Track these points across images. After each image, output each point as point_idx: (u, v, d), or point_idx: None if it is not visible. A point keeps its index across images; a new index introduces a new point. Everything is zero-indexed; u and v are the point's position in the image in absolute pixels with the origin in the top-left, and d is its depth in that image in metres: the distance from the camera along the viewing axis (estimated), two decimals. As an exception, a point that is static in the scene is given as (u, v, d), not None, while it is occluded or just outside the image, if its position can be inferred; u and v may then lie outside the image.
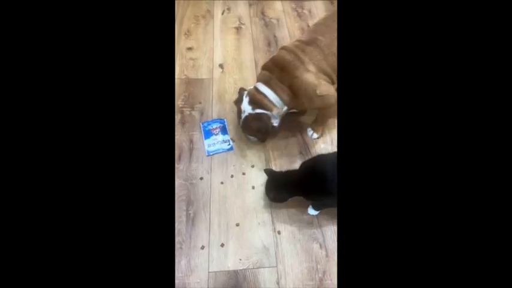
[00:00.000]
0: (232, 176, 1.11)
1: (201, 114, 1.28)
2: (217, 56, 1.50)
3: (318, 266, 0.93)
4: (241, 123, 1.11)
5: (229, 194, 1.07)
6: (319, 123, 1.20)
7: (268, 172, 1.00)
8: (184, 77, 1.41)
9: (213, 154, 1.16)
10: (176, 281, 0.89)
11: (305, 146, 1.21)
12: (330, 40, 1.04)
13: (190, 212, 1.02)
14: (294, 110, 1.16)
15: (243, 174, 1.12)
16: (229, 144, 1.18)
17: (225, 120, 1.26)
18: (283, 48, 1.07)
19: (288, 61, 1.02)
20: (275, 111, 1.05)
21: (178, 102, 1.32)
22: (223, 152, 1.16)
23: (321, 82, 1.02)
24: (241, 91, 1.14)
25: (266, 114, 1.05)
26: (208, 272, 0.91)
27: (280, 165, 1.14)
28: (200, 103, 1.32)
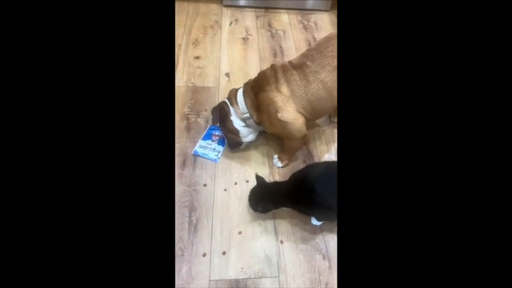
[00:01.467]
0: (235, 184, 1.11)
1: (206, 121, 1.30)
2: (224, 66, 1.52)
3: (321, 278, 0.92)
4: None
5: (232, 201, 1.07)
6: (286, 152, 1.15)
7: (258, 180, 0.99)
8: (191, 84, 1.43)
9: (197, 155, 1.17)
10: (176, 289, 0.88)
11: (309, 155, 1.21)
12: (319, 67, 0.97)
13: (192, 218, 1.02)
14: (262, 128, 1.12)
15: (247, 181, 1.11)
16: (217, 155, 1.17)
17: None
18: (272, 65, 1.06)
19: (265, 75, 1.03)
20: (235, 108, 1.08)
21: (185, 109, 1.33)
22: (207, 159, 1.17)
23: (286, 107, 0.97)
24: (232, 89, 1.20)
25: (227, 106, 1.08)
26: (209, 280, 0.90)
27: (284, 174, 1.14)
28: (206, 111, 1.33)
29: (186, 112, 1.32)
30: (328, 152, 1.22)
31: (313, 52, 1.01)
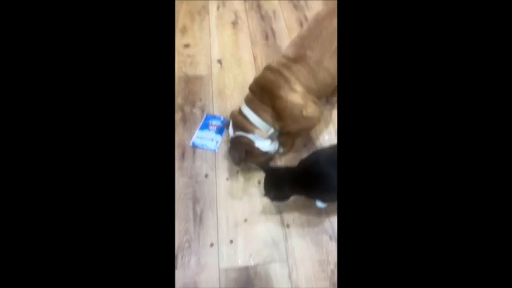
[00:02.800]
0: (237, 172, 1.10)
1: (202, 111, 1.27)
2: (215, 52, 1.48)
3: (329, 258, 0.92)
4: (229, 149, 1.05)
5: (235, 190, 1.06)
6: (289, 138, 1.11)
7: (267, 169, 0.94)
8: (182, 74, 1.39)
9: (195, 147, 1.15)
10: (186, 280, 0.88)
11: (309, 139, 1.19)
12: (321, 55, 0.94)
13: (197, 210, 1.01)
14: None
15: (249, 169, 1.10)
16: (215, 145, 1.15)
17: (227, 121, 1.24)
18: (268, 67, 0.99)
19: (270, 80, 0.94)
20: (257, 133, 0.97)
21: (178, 99, 1.30)
22: (206, 149, 1.15)
23: (307, 103, 0.95)
24: (231, 114, 1.06)
25: (246, 137, 0.97)
26: (219, 269, 0.90)
27: (286, 160, 1.13)
28: (200, 100, 1.30)
29: (181, 103, 1.29)
30: (328, 133, 1.21)
31: (308, 40, 0.96)
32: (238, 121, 0.99)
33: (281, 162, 1.12)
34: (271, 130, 0.99)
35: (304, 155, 1.13)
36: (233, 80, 1.37)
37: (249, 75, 1.37)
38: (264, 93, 0.95)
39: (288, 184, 0.91)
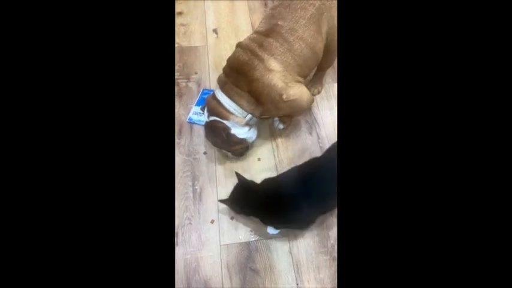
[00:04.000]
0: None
1: (198, 85, 1.21)
2: (210, 21, 1.38)
3: (329, 233, 0.93)
4: (205, 135, 0.97)
5: (235, 167, 1.04)
6: (287, 116, 1.03)
7: (240, 179, 0.88)
8: (176, 45, 1.30)
9: (192, 123, 1.11)
10: (188, 256, 0.89)
11: (310, 113, 1.15)
12: (293, 23, 0.83)
13: (196, 187, 1.00)
14: (265, 117, 0.99)
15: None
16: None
17: None
18: (239, 45, 0.88)
19: (242, 61, 0.83)
20: (233, 120, 0.88)
21: (173, 73, 1.23)
22: (203, 125, 1.09)
23: (287, 84, 0.83)
24: (207, 98, 0.97)
25: (221, 122, 0.88)
26: (220, 245, 0.91)
27: (286, 135, 1.09)
28: (196, 73, 1.23)
29: (175, 77, 1.22)
30: (330, 108, 1.17)
31: (279, 9, 0.85)
32: (213, 107, 0.89)
33: (281, 137, 1.09)
34: (249, 116, 0.89)
35: (304, 130, 1.10)
36: (230, 52, 1.26)
37: (247, 46, 1.29)
38: (238, 75, 0.84)
39: (249, 202, 0.85)
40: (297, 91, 0.86)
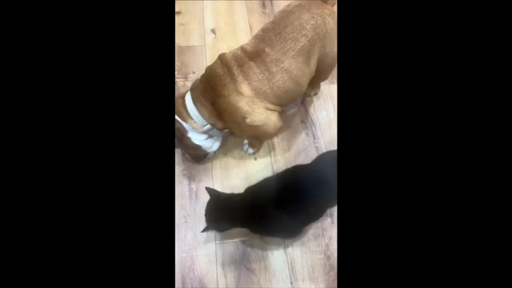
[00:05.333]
0: (235, 149, 1.08)
1: (196, 84, 1.21)
2: (209, 21, 1.38)
3: (324, 233, 0.94)
4: None
5: (231, 166, 1.04)
6: (257, 139, 1.01)
7: (211, 193, 0.83)
8: (174, 44, 1.31)
9: None
10: (183, 254, 0.89)
11: (306, 113, 1.16)
12: (281, 53, 0.79)
13: (192, 186, 1.00)
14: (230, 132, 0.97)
15: (245, 143, 1.08)
16: None
17: None
18: (221, 56, 0.84)
19: (216, 75, 0.81)
20: (190, 124, 0.86)
21: (171, 72, 1.24)
22: None
23: (254, 109, 0.81)
24: (177, 95, 0.94)
25: (179, 123, 0.86)
26: (216, 244, 0.91)
27: (282, 136, 1.10)
28: (194, 73, 1.24)
29: (173, 76, 1.23)
30: (326, 109, 1.18)
31: (270, 34, 0.81)
32: (177, 105, 0.87)
33: (277, 137, 1.10)
34: (208, 127, 0.87)
35: (301, 131, 1.11)
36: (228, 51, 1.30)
37: (245, 47, 1.30)
38: (206, 86, 0.83)
39: (228, 214, 0.80)
40: (263, 118, 0.83)
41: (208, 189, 0.84)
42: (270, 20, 0.86)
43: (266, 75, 0.80)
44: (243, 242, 0.91)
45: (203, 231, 0.86)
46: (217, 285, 0.86)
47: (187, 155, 1.00)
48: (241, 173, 1.03)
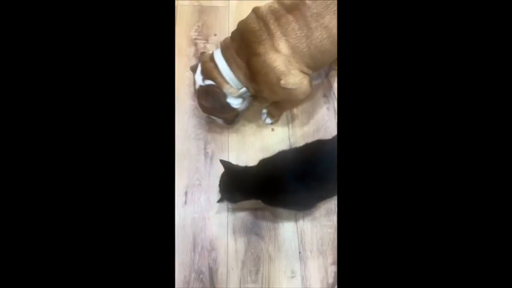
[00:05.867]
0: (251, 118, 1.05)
1: (217, 47, 1.16)
2: (234, -20, 1.30)
3: (335, 208, 0.94)
4: (195, 98, 0.90)
5: (248, 134, 1.03)
6: (278, 108, 0.96)
7: (225, 165, 0.82)
8: (196, 3, 1.24)
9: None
10: (196, 215, 0.91)
11: (329, 87, 1.11)
12: (322, 8, 0.73)
13: (208, 150, 0.99)
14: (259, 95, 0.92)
15: (263, 113, 1.05)
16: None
17: None
18: (255, 10, 0.78)
19: (251, 29, 0.74)
20: (227, 89, 0.81)
21: (191, 33, 1.18)
22: None
23: (290, 70, 0.75)
24: (201, 56, 0.89)
25: (219, 88, 0.81)
26: (228, 208, 0.92)
27: (302, 108, 1.07)
28: (215, 35, 1.19)
29: (194, 37, 1.18)
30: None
31: None
32: (208, 69, 0.81)
33: (297, 108, 1.06)
34: (243, 90, 0.83)
35: (322, 105, 1.07)
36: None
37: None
38: (242, 43, 0.76)
39: (241, 187, 0.79)
40: (297, 81, 0.78)
41: (222, 162, 0.82)
42: None
43: (305, 31, 0.74)
44: (255, 210, 0.92)
45: (218, 201, 0.87)
46: (227, 248, 0.87)
47: (219, 121, 0.96)
48: (257, 143, 1.02)
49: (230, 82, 0.82)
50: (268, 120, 1.02)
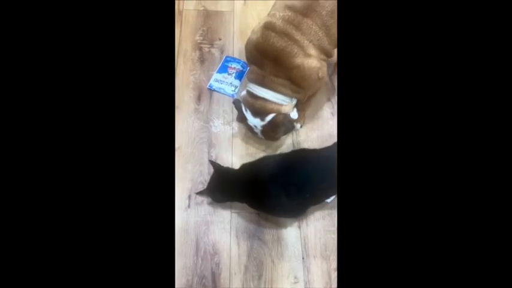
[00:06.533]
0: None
1: (221, 52, 1.17)
2: (239, -15, 1.31)
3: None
4: (261, 137, 0.92)
5: (252, 138, 1.03)
6: (302, 109, 0.98)
7: (214, 165, 0.86)
8: (202, 8, 1.25)
9: (213, 90, 1.08)
10: (199, 219, 0.91)
11: (334, 92, 1.11)
12: (335, 5, 0.77)
13: (212, 154, 1.00)
14: None
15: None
16: (233, 90, 1.08)
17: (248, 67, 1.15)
18: (270, 27, 0.78)
19: (279, 48, 0.77)
20: (286, 110, 0.85)
21: (197, 37, 1.19)
22: (223, 93, 1.08)
23: (322, 63, 0.83)
24: (237, 104, 0.91)
25: (282, 114, 0.85)
26: (231, 212, 0.92)
27: (306, 114, 1.07)
28: (220, 39, 1.19)
29: (199, 41, 1.19)
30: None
31: None
32: (261, 107, 0.84)
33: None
34: (295, 100, 0.89)
35: (326, 109, 1.07)
36: (257, 20, 1.23)
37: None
38: (275, 64, 0.79)
39: (227, 187, 0.82)
40: (325, 69, 0.85)
41: (211, 162, 0.87)
42: None
43: (323, 30, 0.79)
44: (258, 214, 0.92)
45: (197, 193, 0.89)
46: (230, 252, 0.87)
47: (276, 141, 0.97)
48: (261, 147, 1.02)
49: (283, 103, 0.85)
50: (299, 126, 1.02)
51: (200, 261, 0.86)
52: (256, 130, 0.90)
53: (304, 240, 0.90)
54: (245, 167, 0.85)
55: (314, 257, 0.88)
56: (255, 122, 0.87)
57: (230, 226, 0.90)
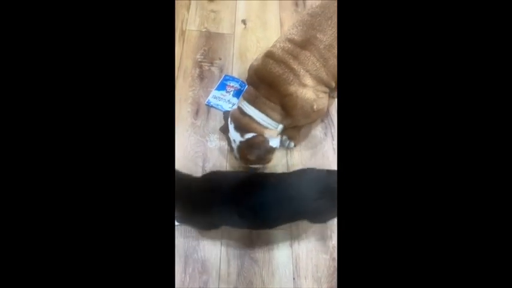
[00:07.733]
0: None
1: (221, 71, 1.21)
2: (241, 11, 1.39)
3: (332, 235, 0.93)
4: (236, 155, 0.91)
5: (246, 155, 1.04)
6: (295, 131, 1.00)
7: (176, 174, 0.78)
8: (204, 29, 1.31)
9: (211, 106, 1.11)
10: (188, 234, 0.88)
11: (327, 113, 1.15)
12: (333, 39, 0.81)
13: (206, 168, 0.99)
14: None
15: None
16: (231, 107, 1.10)
17: (246, 86, 1.19)
18: (270, 55, 0.83)
19: (276, 74, 0.80)
20: (268, 134, 0.86)
21: (197, 55, 1.24)
22: (221, 110, 1.10)
23: (318, 95, 0.84)
24: (225, 115, 0.93)
25: (262, 136, 0.85)
26: (222, 229, 0.90)
27: (300, 133, 1.10)
28: (220, 59, 1.24)
29: (199, 59, 1.23)
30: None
31: (320, 19, 0.83)
32: (245, 124, 0.85)
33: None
34: (280, 127, 0.89)
35: (319, 128, 1.10)
36: (256, 44, 1.30)
37: (273, 41, 1.30)
38: (270, 89, 0.82)
39: (187, 196, 0.76)
40: (325, 101, 0.88)
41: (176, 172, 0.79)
42: (316, 4, 0.87)
43: (321, 61, 0.82)
44: (250, 231, 0.90)
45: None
46: (219, 271, 0.84)
47: (260, 167, 0.95)
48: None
49: (269, 126, 0.86)
50: (292, 144, 1.03)
51: (188, 279, 0.82)
52: (233, 145, 0.90)
53: (296, 260, 0.88)
54: (204, 177, 0.80)
55: (305, 278, 0.86)
56: (234, 136, 0.88)
57: (221, 242, 0.88)
